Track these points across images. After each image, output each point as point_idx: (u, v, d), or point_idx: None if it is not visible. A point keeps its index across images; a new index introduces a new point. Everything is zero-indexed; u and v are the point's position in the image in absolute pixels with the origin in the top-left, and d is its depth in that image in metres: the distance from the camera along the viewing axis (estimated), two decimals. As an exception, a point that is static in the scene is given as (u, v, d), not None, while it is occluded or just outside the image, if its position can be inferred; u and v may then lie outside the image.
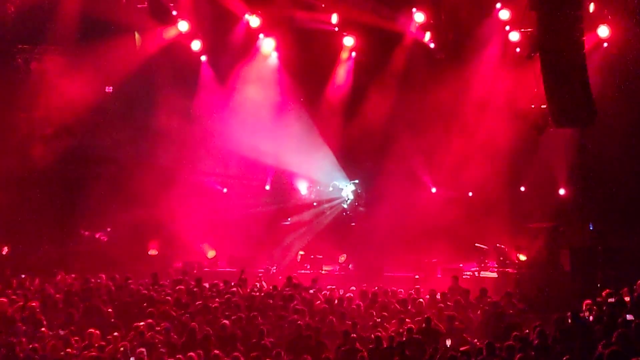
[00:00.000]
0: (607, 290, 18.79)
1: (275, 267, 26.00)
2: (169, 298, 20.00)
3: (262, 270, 25.37)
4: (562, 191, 26.53)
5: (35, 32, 27.18)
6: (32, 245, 27.39)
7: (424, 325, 17.28)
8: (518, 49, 25.73)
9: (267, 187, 29.96)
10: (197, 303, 19.60)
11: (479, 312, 18.77)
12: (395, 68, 28.01)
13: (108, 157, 28.60)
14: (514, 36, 25.57)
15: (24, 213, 27.67)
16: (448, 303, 19.39)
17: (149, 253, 27.14)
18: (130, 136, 28.84)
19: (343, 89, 28.56)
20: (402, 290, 21.28)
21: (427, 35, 27.04)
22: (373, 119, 28.11)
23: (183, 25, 27.81)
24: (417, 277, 22.92)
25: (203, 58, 28.89)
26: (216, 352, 15.28)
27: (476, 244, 25.52)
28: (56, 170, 28.08)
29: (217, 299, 19.87)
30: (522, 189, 27.40)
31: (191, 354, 15.13)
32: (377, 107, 28.13)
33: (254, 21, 27.83)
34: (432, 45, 27.19)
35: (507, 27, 25.75)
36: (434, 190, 28.47)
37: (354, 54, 28.27)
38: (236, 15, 28.05)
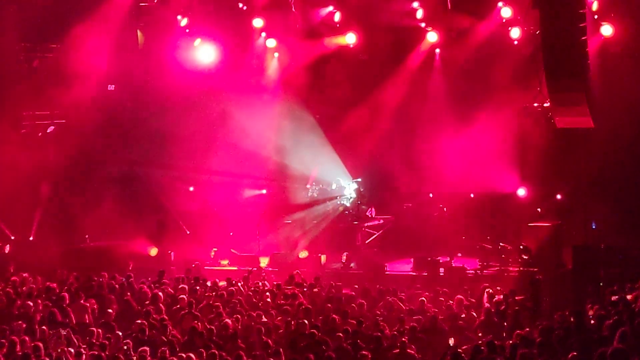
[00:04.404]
0: (610, 288, 18.82)
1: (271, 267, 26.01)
2: (171, 296, 20.01)
3: (264, 269, 25.36)
4: (558, 196, 26.56)
5: (38, 29, 27.17)
6: (35, 243, 27.40)
7: (428, 324, 17.26)
8: (516, 42, 25.70)
9: (264, 191, 29.96)
10: (199, 301, 19.57)
11: (481, 311, 18.73)
12: (399, 66, 28.03)
13: (110, 155, 28.60)
14: (515, 33, 25.55)
15: (26, 212, 27.68)
16: (450, 302, 19.36)
17: (150, 252, 27.12)
18: (135, 135, 28.84)
19: (347, 87, 28.49)
20: (404, 290, 21.31)
21: (434, 36, 27.11)
22: (376, 118, 28.12)
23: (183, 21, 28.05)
24: (425, 274, 23.02)
25: (204, 53, 28.93)
26: (216, 351, 15.23)
27: (480, 244, 25.49)
28: (58, 168, 28.07)
29: (219, 298, 19.85)
30: (524, 189, 27.38)
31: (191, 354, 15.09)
32: (380, 107, 28.14)
33: (257, 22, 27.87)
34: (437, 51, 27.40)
35: (504, 23, 25.77)
36: (430, 195, 28.46)
37: (351, 44, 28.11)
38: (239, 14, 28.12)
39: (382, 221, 28.68)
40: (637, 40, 24.39)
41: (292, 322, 17.45)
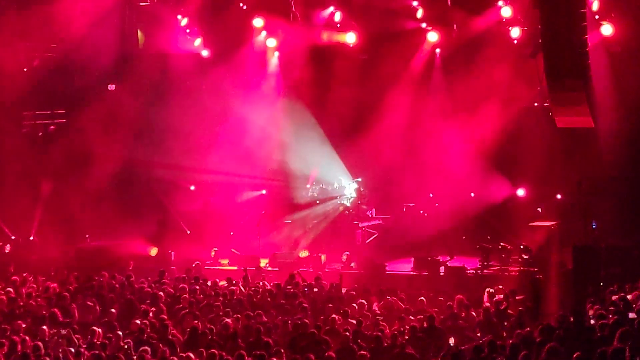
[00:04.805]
0: (610, 288, 18.81)
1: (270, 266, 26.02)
2: (172, 296, 20.02)
3: (264, 268, 25.37)
4: (558, 196, 26.58)
5: (38, 29, 27.21)
6: (35, 243, 27.40)
7: (426, 324, 17.25)
8: (515, 42, 25.69)
9: (264, 192, 29.95)
10: (199, 301, 19.59)
11: (480, 311, 18.73)
12: (400, 65, 28.00)
13: (111, 155, 28.59)
14: (515, 33, 25.54)
15: (27, 211, 27.69)
16: (449, 303, 19.35)
17: (150, 252, 27.11)
18: (136, 134, 28.83)
19: (347, 86, 28.44)
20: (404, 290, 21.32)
21: (435, 36, 27.14)
22: (377, 117, 28.12)
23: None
24: (425, 274, 23.08)
25: (203, 51, 28.97)
26: (216, 351, 15.23)
27: (480, 244, 25.50)
28: (58, 167, 28.07)
29: (219, 297, 19.87)
30: (522, 189, 27.42)
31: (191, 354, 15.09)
32: (380, 106, 28.15)
33: (257, 21, 27.89)
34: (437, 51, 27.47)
35: (504, 22, 25.77)
36: (431, 195, 28.47)
37: (351, 44, 28.03)
38: (238, 13, 28.14)
39: (381, 221, 28.66)
40: (637, 40, 24.37)
41: (292, 322, 17.46)
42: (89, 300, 19.48)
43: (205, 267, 25.37)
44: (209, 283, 21.79)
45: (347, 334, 16.28)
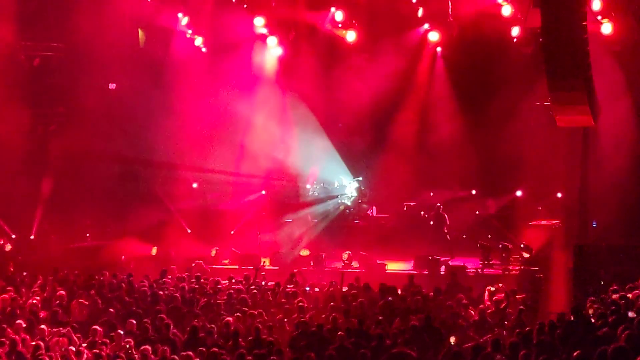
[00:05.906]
0: (611, 287, 18.82)
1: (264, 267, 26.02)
2: (172, 295, 20.02)
3: (264, 267, 25.39)
4: (559, 194, 26.59)
5: (39, 28, 27.22)
6: (36, 241, 27.42)
7: (424, 322, 17.25)
8: (515, 40, 25.71)
9: (263, 192, 29.97)
10: (200, 300, 19.59)
11: (479, 310, 18.73)
12: (401, 64, 28.03)
13: (111, 153, 28.63)
14: (516, 32, 25.54)
15: (27, 210, 27.70)
16: (449, 302, 19.34)
17: (150, 252, 27.12)
18: (135, 133, 28.86)
19: (348, 85, 28.47)
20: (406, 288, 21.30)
21: (436, 35, 27.15)
22: (377, 116, 28.15)
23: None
24: (425, 273, 23.09)
25: (204, 50, 29.00)
26: (217, 350, 15.24)
27: (480, 242, 25.51)
28: (59, 166, 28.10)
29: (220, 296, 19.88)
30: (520, 192, 27.44)
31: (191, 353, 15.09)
32: (381, 105, 28.17)
33: (257, 20, 27.90)
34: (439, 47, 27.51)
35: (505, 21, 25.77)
36: (431, 194, 28.47)
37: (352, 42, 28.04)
38: (240, 12, 28.16)
39: (382, 221, 28.69)
40: (638, 39, 24.37)
41: (293, 321, 17.47)
42: (90, 300, 19.47)
43: (206, 266, 25.39)
44: (209, 282, 21.77)
45: (349, 332, 16.27)
